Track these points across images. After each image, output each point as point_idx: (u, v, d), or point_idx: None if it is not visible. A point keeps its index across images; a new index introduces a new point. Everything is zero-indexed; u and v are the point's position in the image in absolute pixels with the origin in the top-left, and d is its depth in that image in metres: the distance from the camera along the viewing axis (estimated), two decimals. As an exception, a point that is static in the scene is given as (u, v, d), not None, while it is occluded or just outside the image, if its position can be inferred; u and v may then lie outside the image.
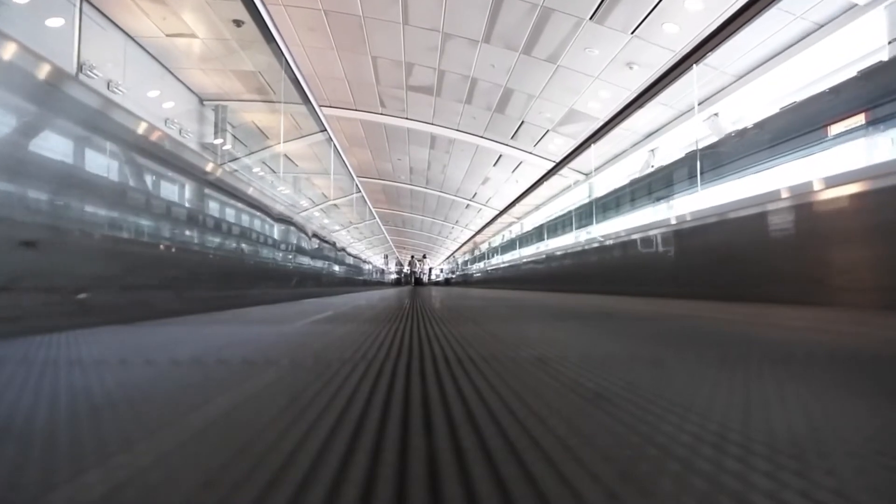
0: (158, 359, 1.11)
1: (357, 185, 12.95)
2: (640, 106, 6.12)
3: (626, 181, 7.09)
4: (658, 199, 5.48)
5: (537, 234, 11.76)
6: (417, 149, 12.24)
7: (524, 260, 11.56)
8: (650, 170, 7.21)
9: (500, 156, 11.26)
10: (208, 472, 0.45)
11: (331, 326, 2.05)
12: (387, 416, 0.64)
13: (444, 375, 0.93)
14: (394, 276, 27.51)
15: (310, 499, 0.39)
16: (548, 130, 9.44)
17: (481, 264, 18.87)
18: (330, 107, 9.64)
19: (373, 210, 17.67)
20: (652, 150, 8.14)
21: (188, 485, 0.42)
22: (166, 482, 0.43)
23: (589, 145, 7.91)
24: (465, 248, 23.74)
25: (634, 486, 0.41)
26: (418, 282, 28.10)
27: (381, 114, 10.21)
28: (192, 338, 1.58)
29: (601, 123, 7.74)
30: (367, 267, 15.65)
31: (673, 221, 4.34)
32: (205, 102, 6.90)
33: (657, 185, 5.70)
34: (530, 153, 10.69)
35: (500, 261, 14.84)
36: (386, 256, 28.87)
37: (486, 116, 9.54)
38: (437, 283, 27.25)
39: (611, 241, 6.01)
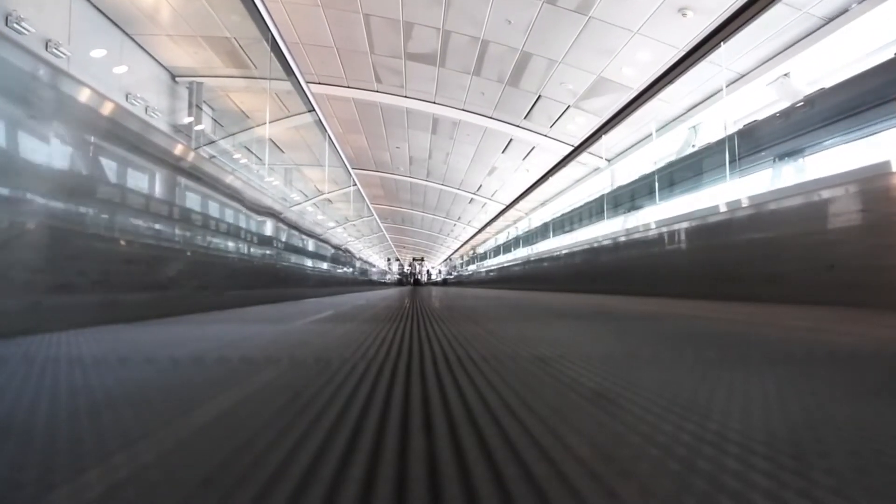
0: (158, 357, 1.23)
1: (353, 177, 13.03)
2: (693, 64, 5.48)
3: (655, 167, 6.98)
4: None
5: (533, 234, 11.89)
6: (418, 134, 12.08)
7: (522, 260, 11.77)
8: (691, 149, 7.06)
9: (511, 140, 11.08)
10: (208, 471, 0.51)
11: (331, 326, 2.21)
12: (387, 415, 0.72)
13: (444, 375, 1.02)
14: (395, 277, 31.99)
15: (309, 498, 0.45)
16: (568, 107, 9.20)
17: (475, 266, 19.40)
18: (318, 83, 9.54)
19: (370, 206, 17.84)
20: (693, 127, 7.96)
21: (188, 483, 0.48)
22: (166, 481, 0.49)
23: (620, 120, 7.54)
24: (462, 250, 25.76)
25: (635, 486, 0.47)
26: (417, 282, 33.45)
27: (377, 91, 10.06)
28: (191, 336, 1.72)
29: (636, 93, 7.24)
30: (370, 269, 17.10)
31: (723, 209, 4.28)
32: (177, 79, 6.96)
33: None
34: (545, 136, 10.51)
35: (501, 260, 15.07)
36: (388, 259, 34.45)
37: (497, 91, 9.32)
38: (434, 284, 31.64)
39: (624, 239, 6.05)
